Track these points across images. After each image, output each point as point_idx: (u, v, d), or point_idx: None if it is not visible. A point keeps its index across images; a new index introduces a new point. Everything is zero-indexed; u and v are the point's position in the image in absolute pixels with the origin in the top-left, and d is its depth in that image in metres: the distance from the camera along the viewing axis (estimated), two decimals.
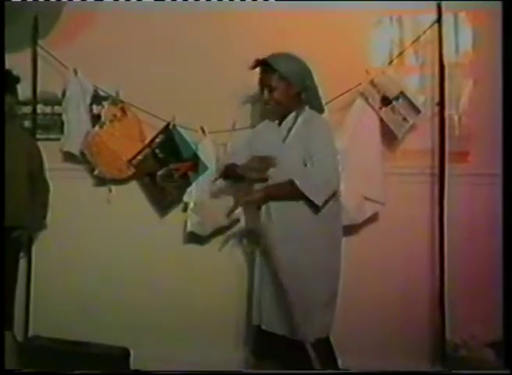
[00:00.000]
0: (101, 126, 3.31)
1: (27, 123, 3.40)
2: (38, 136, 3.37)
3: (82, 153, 3.33)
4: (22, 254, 3.31)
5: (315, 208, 2.82)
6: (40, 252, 3.37)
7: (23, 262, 3.34)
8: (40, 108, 3.38)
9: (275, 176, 2.87)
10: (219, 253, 3.29)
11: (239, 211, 3.10)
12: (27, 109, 3.39)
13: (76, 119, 3.32)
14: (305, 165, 2.82)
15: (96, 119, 3.34)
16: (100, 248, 3.35)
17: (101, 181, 3.37)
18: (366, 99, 3.25)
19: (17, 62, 3.26)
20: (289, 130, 2.91)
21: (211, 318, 3.33)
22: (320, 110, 3.01)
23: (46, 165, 3.30)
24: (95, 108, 3.35)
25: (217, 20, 3.31)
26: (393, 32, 3.34)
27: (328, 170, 2.81)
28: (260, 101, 3.04)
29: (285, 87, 2.88)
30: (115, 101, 3.31)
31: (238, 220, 3.29)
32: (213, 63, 3.32)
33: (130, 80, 3.28)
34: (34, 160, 3.23)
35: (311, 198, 2.77)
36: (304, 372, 2.68)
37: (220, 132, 3.27)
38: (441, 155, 3.27)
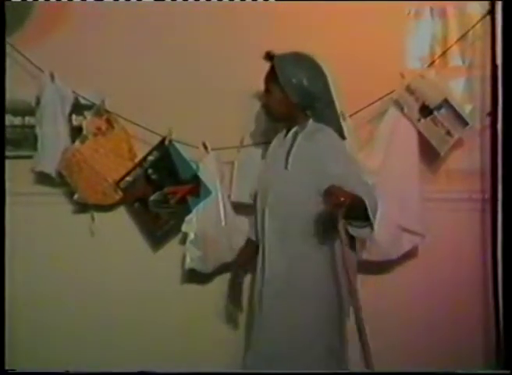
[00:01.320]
0: (82, 142, 3.00)
1: None
2: (7, 153, 3.00)
3: (59, 174, 3.01)
4: None
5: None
6: (12, 292, 2.95)
7: None
8: (8, 119, 3.05)
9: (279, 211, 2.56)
10: (224, 294, 2.99)
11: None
12: None
13: (53, 132, 3.00)
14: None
15: (76, 132, 3.03)
16: (81, 289, 3.06)
17: (82, 208, 3.07)
18: (401, 109, 3.00)
19: None
20: (289, 152, 2.59)
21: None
22: (339, 134, 2.64)
23: (16, 188, 2.95)
24: (75, 120, 3.04)
25: (223, 16, 3.05)
26: (435, 27, 3.09)
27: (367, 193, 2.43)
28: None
29: (282, 95, 2.60)
30: (99, 111, 3.00)
31: None
32: (217, 66, 3.06)
33: (118, 86, 2.99)
34: None
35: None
36: (304, 372, 2.61)
37: (225, 148, 2.99)
38: (493, 176, 3.01)
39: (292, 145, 2.61)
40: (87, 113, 3.03)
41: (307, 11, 3.02)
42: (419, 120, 3.00)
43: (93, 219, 3.07)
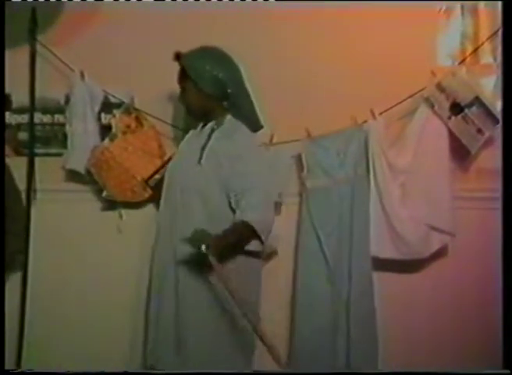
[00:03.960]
0: (111, 139, 3.02)
1: (22, 135, 3.09)
2: (36, 150, 3.06)
3: (88, 171, 3.03)
4: None
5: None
6: (36, 289, 3.02)
7: (16, 298, 2.99)
8: (38, 117, 3.07)
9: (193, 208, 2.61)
10: None
11: None
12: (22, 119, 3.08)
13: (82, 130, 3.03)
14: (229, 200, 2.55)
15: (106, 130, 3.06)
16: (108, 286, 3.04)
17: (110, 205, 3.08)
18: (432, 106, 2.99)
19: (10, 61, 2.92)
20: (204, 147, 2.64)
21: None
22: (255, 125, 2.72)
23: (45, 185, 3.00)
24: (105, 118, 3.07)
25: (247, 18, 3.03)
26: (466, 24, 3.09)
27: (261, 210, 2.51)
28: None
29: (196, 90, 2.66)
30: (128, 109, 3.03)
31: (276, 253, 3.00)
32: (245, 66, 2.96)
33: (147, 84, 3.00)
34: None
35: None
36: (304, 372, 2.71)
37: None
38: None
39: (208, 140, 2.65)
40: (116, 111, 3.05)
41: (342, 10, 2.99)
42: (450, 118, 2.99)
43: (121, 216, 3.07)
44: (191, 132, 2.83)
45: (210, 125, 2.71)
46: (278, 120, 2.97)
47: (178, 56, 2.69)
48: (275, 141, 3.00)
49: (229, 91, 2.67)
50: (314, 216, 2.97)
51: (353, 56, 2.97)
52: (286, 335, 3.01)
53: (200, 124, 2.78)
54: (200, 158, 2.65)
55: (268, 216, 2.57)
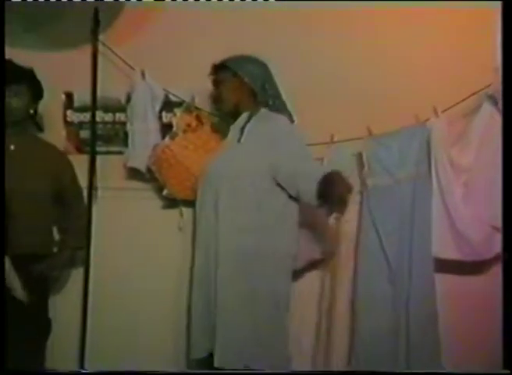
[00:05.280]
0: (172, 138, 3.01)
1: (84, 133, 3.12)
2: (97, 148, 3.08)
3: (149, 169, 3.04)
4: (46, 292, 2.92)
5: None
6: (98, 286, 3.05)
7: (78, 295, 3.04)
8: (99, 115, 3.09)
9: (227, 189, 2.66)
10: (313, 290, 2.99)
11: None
12: (84, 117, 3.11)
13: (143, 128, 3.04)
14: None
15: (166, 129, 3.06)
16: (169, 283, 3.05)
17: (171, 203, 3.08)
18: (495, 104, 2.92)
19: (72, 60, 3.01)
20: (242, 129, 2.71)
21: None
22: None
23: (106, 183, 3.03)
24: (165, 117, 3.09)
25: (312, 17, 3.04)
26: None
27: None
28: None
29: (236, 85, 2.75)
30: (189, 108, 3.03)
31: (334, 253, 2.98)
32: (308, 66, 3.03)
33: (208, 83, 2.94)
34: (63, 179, 2.89)
35: None
36: (304, 372, 2.73)
37: (316, 145, 2.94)
38: None
39: (246, 123, 2.71)
40: (177, 110, 3.05)
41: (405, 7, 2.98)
42: None
43: (181, 214, 3.06)
44: (229, 132, 2.86)
45: (245, 115, 2.76)
46: (338, 118, 2.98)
47: (219, 66, 2.77)
48: (336, 139, 2.99)
49: (266, 85, 2.73)
50: (375, 215, 2.95)
51: (416, 53, 2.94)
52: (347, 335, 3.00)
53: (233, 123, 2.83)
54: (240, 137, 2.71)
55: None
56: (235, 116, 2.82)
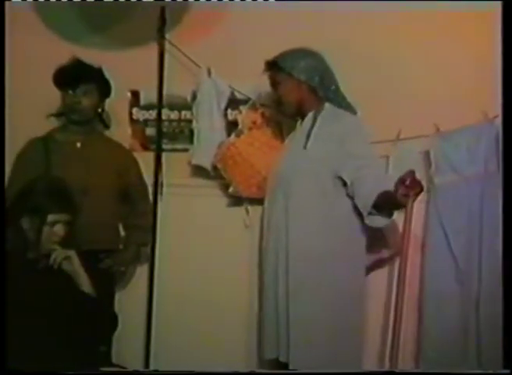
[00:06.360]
0: (237, 135, 3.04)
1: (149, 131, 3.17)
2: (163, 146, 3.13)
3: (214, 167, 3.06)
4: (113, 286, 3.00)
5: None
6: (163, 282, 3.10)
7: (143, 291, 3.10)
8: (165, 113, 3.14)
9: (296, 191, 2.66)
10: (380, 289, 2.98)
11: None
12: (150, 115, 3.17)
13: (209, 126, 3.08)
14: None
15: (232, 126, 3.09)
16: (234, 281, 3.07)
17: (236, 201, 3.10)
18: None
19: (139, 58, 3.07)
20: (309, 133, 2.68)
21: None
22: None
23: (171, 180, 3.08)
24: (231, 114, 3.11)
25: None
26: None
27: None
28: None
29: (294, 85, 2.71)
30: (254, 105, 3.05)
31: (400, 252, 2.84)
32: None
33: None
34: (128, 176, 2.95)
35: None
36: (304, 372, 2.65)
37: (381, 142, 2.92)
38: None
39: (312, 126, 2.68)
40: (242, 108, 3.08)
41: None
42: None
43: (247, 212, 3.08)
44: (292, 132, 2.86)
45: (310, 115, 2.74)
46: (405, 115, 2.97)
47: (269, 62, 2.74)
48: (402, 136, 2.97)
49: (323, 78, 2.71)
50: (443, 214, 2.92)
51: (484, 48, 2.87)
52: (414, 335, 2.97)
53: (299, 121, 2.80)
54: (306, 143, 2.69)
55: None
56: (299, 115, 2.80)
